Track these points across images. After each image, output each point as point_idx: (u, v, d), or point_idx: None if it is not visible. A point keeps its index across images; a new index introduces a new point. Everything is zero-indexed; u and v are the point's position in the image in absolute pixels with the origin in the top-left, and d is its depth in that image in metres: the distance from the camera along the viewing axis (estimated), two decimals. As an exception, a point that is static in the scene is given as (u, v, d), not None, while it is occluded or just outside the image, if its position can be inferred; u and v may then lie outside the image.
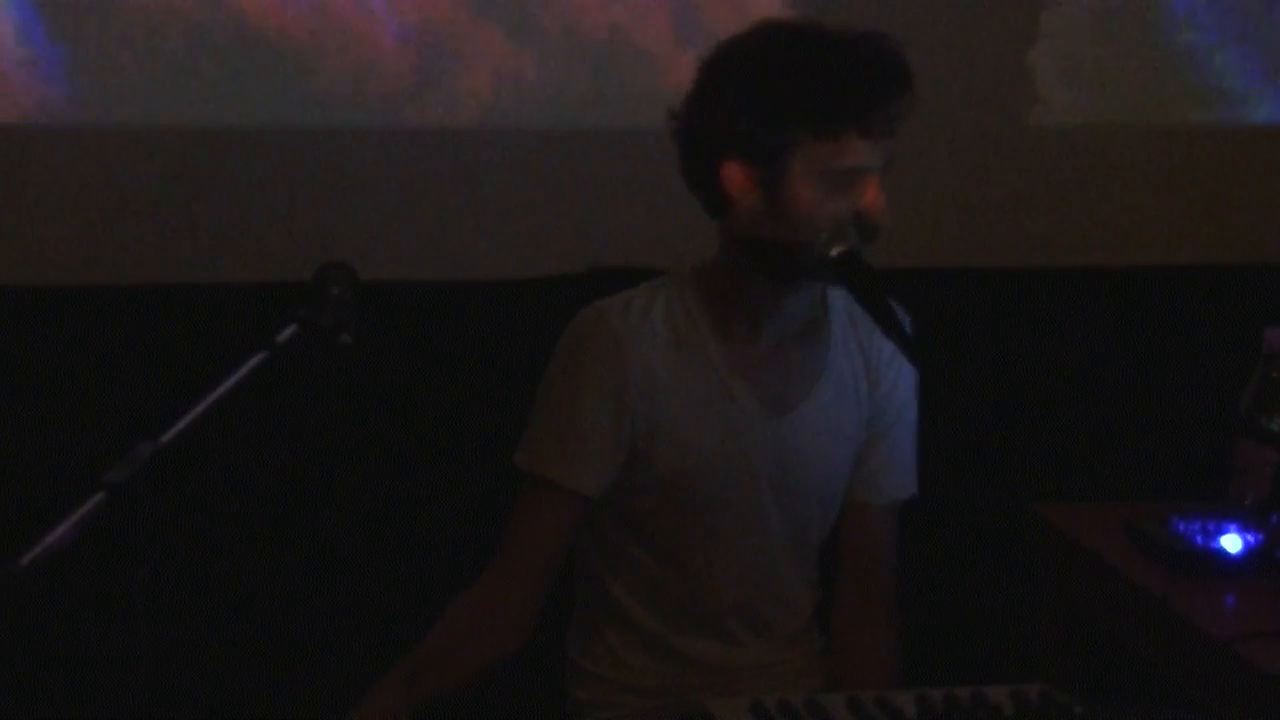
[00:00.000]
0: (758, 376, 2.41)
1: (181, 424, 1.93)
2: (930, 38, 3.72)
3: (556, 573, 2.40)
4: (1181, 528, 2.62)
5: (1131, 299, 3.92)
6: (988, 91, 3.88)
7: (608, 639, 2.48)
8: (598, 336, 2.37)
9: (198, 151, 3.61)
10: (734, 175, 2.31)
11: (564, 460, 2.36)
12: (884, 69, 2.28)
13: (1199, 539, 2.60)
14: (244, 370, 2.01)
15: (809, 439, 2.43)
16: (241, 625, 3.60)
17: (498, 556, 2.39)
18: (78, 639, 3.35)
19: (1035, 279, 3.89)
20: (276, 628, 3.61)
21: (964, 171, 3.87)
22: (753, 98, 2.28)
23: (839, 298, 2.45)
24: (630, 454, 2.38)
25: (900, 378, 2.50)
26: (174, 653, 3.32)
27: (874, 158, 2.29)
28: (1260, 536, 2.59)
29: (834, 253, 2.27)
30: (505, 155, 3.72)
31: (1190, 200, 3.96)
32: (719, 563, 2.44)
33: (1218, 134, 3.99)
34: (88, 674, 3.33)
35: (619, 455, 2.38)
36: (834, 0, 3.20)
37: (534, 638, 2.38)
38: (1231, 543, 2.59)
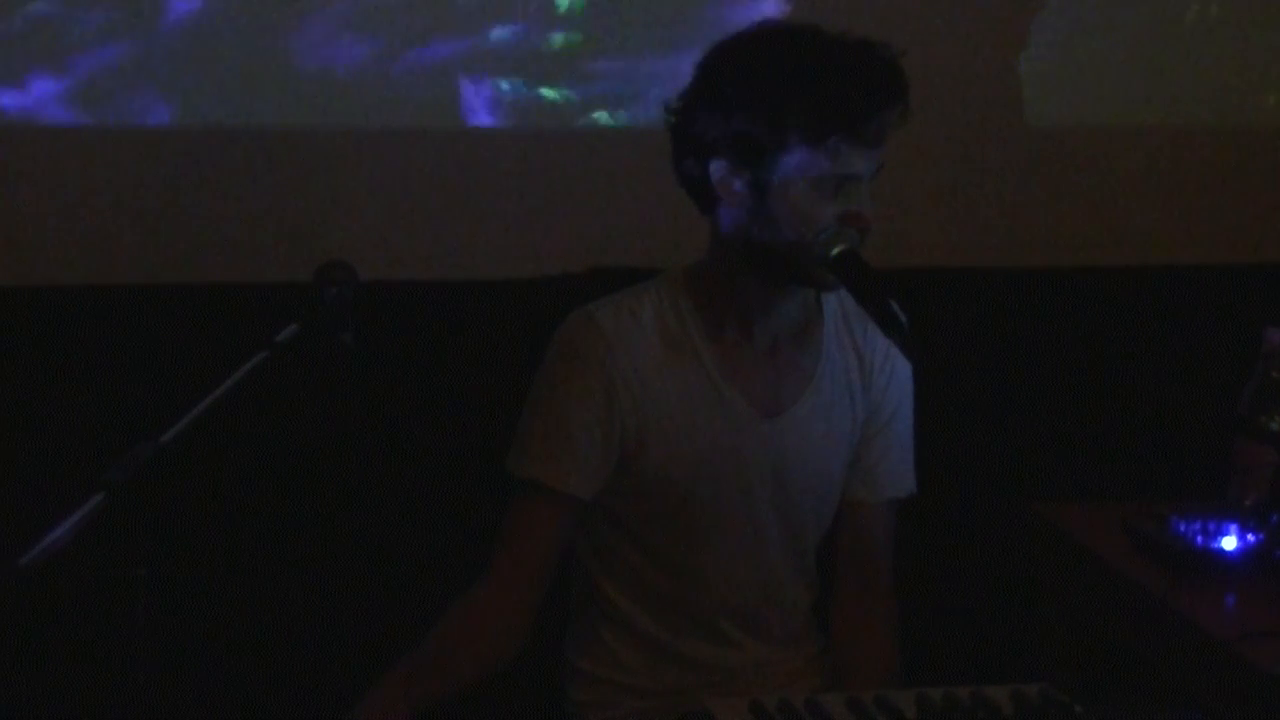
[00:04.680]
0: (750, 378, 2.41)
1: (181, 424, 1.93)
2: (930, 38, 3.72)
3: (552, 575, 2.40)
4: (1181, 528, 2.62)
5: (1131, 299, 3.92)
6: (987, 91, 3.88)
7: (605, 640, 2.48)
8: (587, 339, 2.37)
9: (198, 151, 3.61)
10: (723, 174, 2.31)
11: (554, 464, 2.36)
12: (878, 79, 2.28)
13: (1199, 539, 2.60)
14: (244, 370, 2.02)
15: (803, 440, 2.43)
16: (241, 625, 3.60)
17: (493, 560, 2.39)
18: (78, 639, 3.35)
19: (1035, 279, 3.89)
20: (276, 628, 3.61)
21: (964, 171, 3.87)
22: (746, 99, 2.29)
23: (833, 297, 2.45)
24: (621, 457, 2.38)
25: (895, 376, 2.50)
26: (174, 652, 3.32)
27: (863, 165, 2.29)
28: (1260, 536, 2.59)
29: (834, 252, 2.27)
30: (505, 155, 3.72)
31: (1190, 200, 3.96)
32: (713, 565, 2.44)
33: (1218, 134, 3.99)
34: (88, 674, 3.33)
35: (610, 458, 2.38)
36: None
37: (531, 640, 2.38)
38: (1231, 543, 2.59)
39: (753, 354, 2.41)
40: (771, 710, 2.08)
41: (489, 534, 2.41)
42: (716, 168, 2.31)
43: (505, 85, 3.67)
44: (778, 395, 2.42)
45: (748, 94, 2.29)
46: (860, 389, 2.48)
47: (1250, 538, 2.59)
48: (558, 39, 3.68)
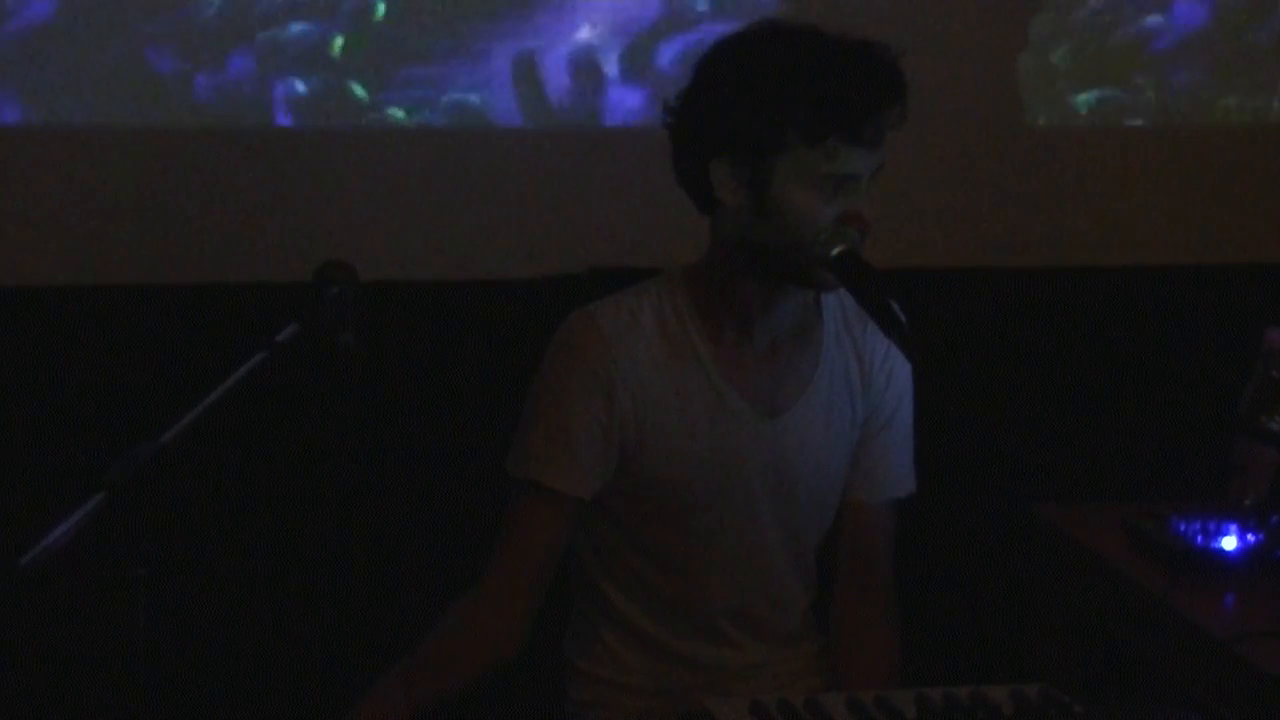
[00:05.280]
0: (749, 379, 2.41)
1: (181, 424, 1.93)
2: (930, 38, 3.72)
3: (551, 575, 2.39)
4: (1181, 528, 2.62)
5: (1131, 299, 3.92)
6: (987, 92, 3.88)
7: (605, 640, 2.48)
8: (587, 339, 2.37)
9: (198, 151, 3.61)
10: (721, 174, 2.31)
11: (554, 464, 2.36)
12: (877, 79, 2.28)
13: (1199, 539, 2.60)
14: (244, 370, 2.02)
15: (802, 441, 2.43)
16: (241, 625, 3.60)
17: (492, 561, 2.39)
18: (78, 639, 3.35)
19: (1035, 279, 3.89)
20: (276, 628, 3.61)
21: (964, 171, 3.87)
22: (744, 98, 2.29)
23: (833, 298, 2.45)
24: (621, 457, 2.38)
25: (895, 376, 2.50)
26: (174, 653, 3.32)
27: (862, 165, 2.29)
28: (1260, 536, 2.59)
29: (834, 252, 2.27)
30: (506, 155, 3.72)
31: (1190, 200, 3.96)
32: (713, 566, 2.44)
33: (1218, 134, 3.99)
34: (88, 674, 3.33)
35: (609, 458, 2.38)
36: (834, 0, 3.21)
37: (531, 640, 2.38)
38: (1231, 543, 2.59)
39: (752, 354, 2.41)
40: (771, 710, 2.08)
41: (489, 534, 2.41)
42: (716, 168, 2.31)
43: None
44: (777, 396, 2.42)
45: (746, 94, 2.29)
46: (860, 389, 2.48)
47: (1250, 538, 2.59)
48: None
